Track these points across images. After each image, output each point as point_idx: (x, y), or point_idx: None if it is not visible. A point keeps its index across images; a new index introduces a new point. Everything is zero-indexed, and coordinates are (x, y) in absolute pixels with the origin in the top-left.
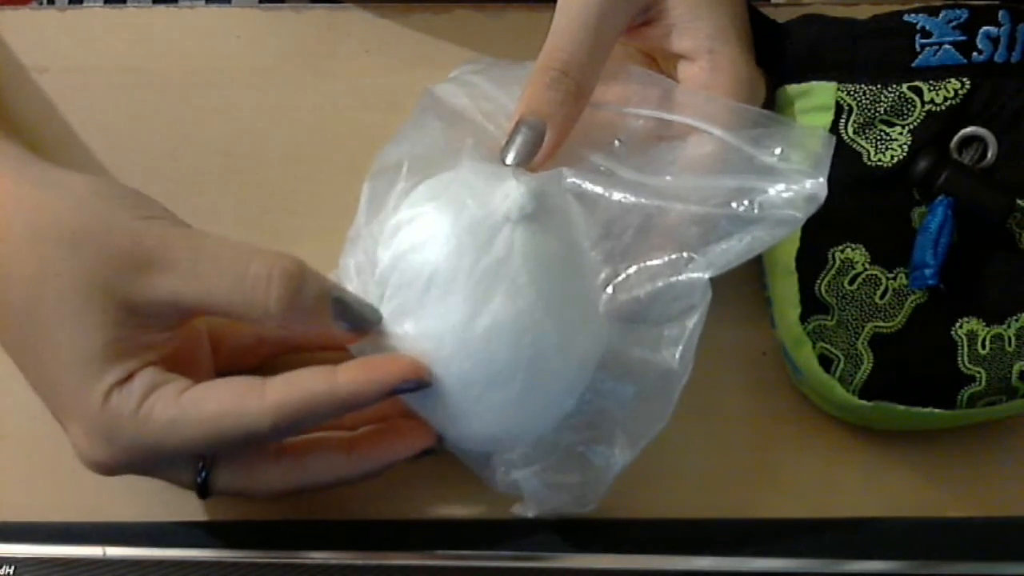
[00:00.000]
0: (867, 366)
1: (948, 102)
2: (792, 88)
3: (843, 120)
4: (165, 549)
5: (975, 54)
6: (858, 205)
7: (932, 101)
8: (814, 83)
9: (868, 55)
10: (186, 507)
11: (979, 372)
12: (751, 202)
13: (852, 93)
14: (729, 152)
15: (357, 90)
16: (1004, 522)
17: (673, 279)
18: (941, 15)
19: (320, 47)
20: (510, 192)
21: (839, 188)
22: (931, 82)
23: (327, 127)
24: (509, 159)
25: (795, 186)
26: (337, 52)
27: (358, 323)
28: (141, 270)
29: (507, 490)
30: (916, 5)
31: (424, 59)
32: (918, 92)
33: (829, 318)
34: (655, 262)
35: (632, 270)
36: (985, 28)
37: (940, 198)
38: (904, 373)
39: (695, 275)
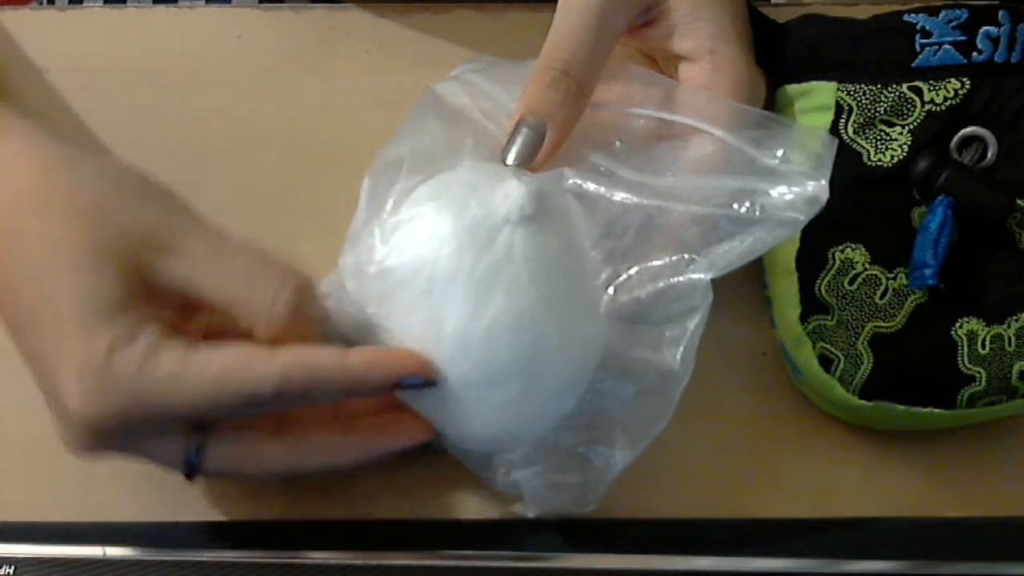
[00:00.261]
0: (867, 366)
1: (948, 102)
2: (792, 88)
3: (843, 120)
4: (165, 549)
5: (975, 54)
6: (858, 205)
7: (932, 101)
8: (814, 83)
9: (868, 55)
10: (186, 507)
11: (979, 372)
12: (752, 203)
13: (852, 93)
14: (730, 153)
15: (357, 90)
16: (1004, 522)
17: (674, 280)
18: (941, 15)
19: (320, 47)
20: (510, 192)
21: (839, 188)
22: (931, 82)
23: (327, 127)
24: (509, 159)
25: (797, 188)
26: (337, 52)
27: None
28: (160, 250)
29: (508, 490)
30: (916, 5)
31: (424, 59)
32: (918, 92)
33: (829, 318)
34: (656, 263)
35: (633, 271)
36: (985, 28)
37: (940, 198)
38: (904, 373)
39: (696, 276)
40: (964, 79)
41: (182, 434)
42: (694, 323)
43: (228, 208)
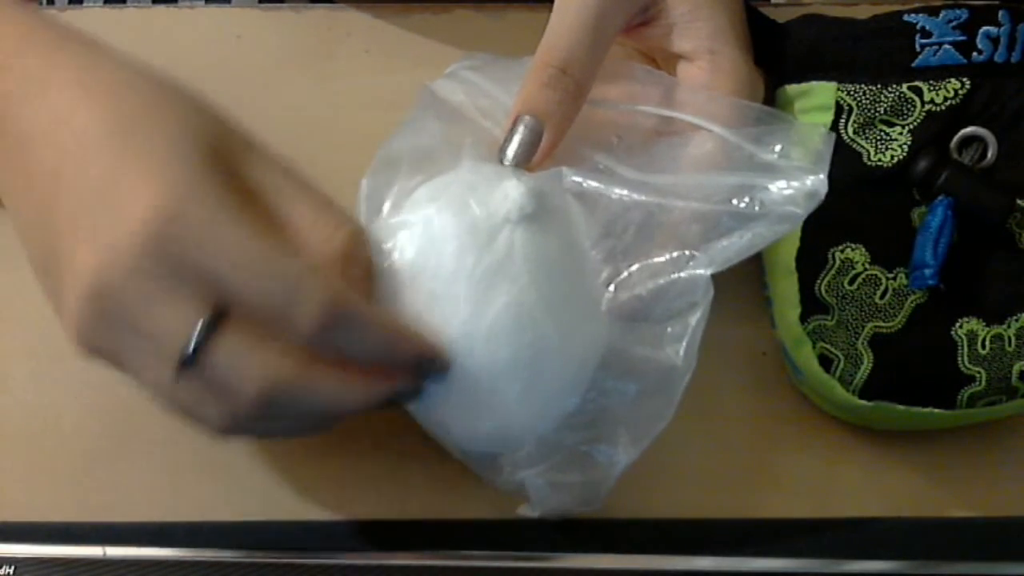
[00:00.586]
0: (867, 366)
1: (948, 102)
2: (792, 88)
3: (843, 120)
4: (165, 549)
5: (975, 54)
6: (858, 205)
7: (932, 101)
8: (814, 83)
9: (868, 55)
10: (186, 507)
11: (979, 372)
12: (752, 199)
13: (852, 93)
14: (730, 149)
15: (357, 90)
16: (1004, 522)
17: (675, 276)
18: (941, 15)
19: (320, 47)
20: (509, 192)
21: (839, 188)
22: (931, 82)
23: (327, 127)
24: (507, 159)
25: (796, 183)
26: (337, 52)
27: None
28: (246, 149)
29: (511, 490)
30: (916, 5)
31: (424, 59)
32: (918, 92)
33: (829, 318)
34: (657, 260)
35: (634, 268)
36: (985, 28)
37: (940, 198)
38: (904, 373)
39: (697, 272)
40: (964, 79)
41: (197, 303)
42: (696, 319)
43: None
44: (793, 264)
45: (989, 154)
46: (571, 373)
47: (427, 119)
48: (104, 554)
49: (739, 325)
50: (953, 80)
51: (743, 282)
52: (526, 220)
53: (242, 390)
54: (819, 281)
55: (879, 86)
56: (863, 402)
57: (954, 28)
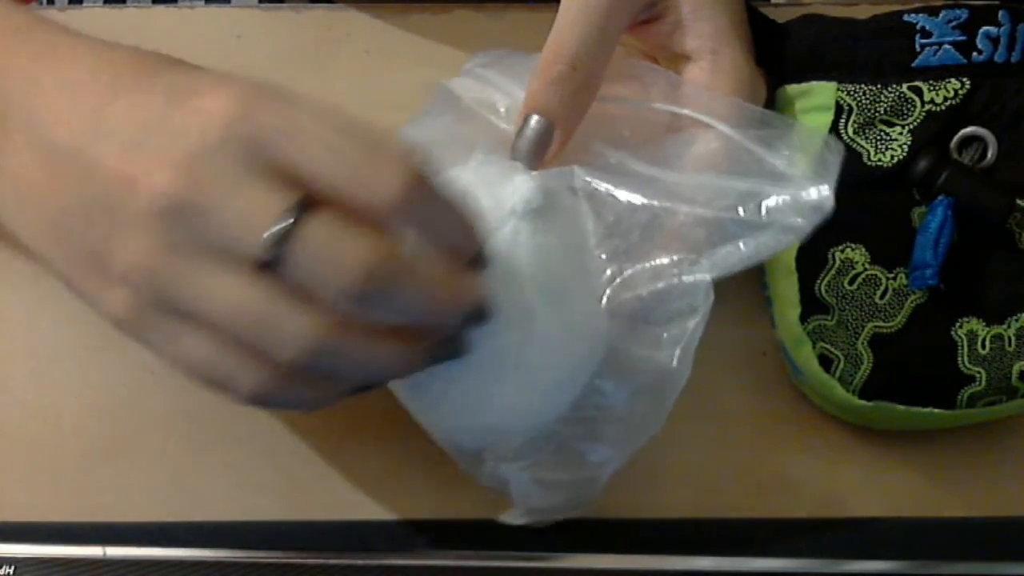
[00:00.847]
0: (867, 366)
1: (948, 102)
2: (792, 88)
3: (843, 120)
4: (165, 549)
5: (975, 54)
6: (858, 205)
7: (932, 101)
8: (814, 83)
9: (868, 55)
10: (186, 507)
11: (979, 372)
12: (758, 207)
13: (852, 93)
14: (737, 150)
15: (357, 90)
16: (1004, 522)
17: (676, 280)
18: (941, 15)
19: (320, 47)
20: (518, 186)
21: (839, 188)
22: (931, 82)
23: None
24: (517, 156)
25: (802, 194)
26: (337, 52)
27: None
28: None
29: (494, 486)
30: (916, 5)
31: (424, 59)
32: (918, 92)
33: (829, 318)
34: (659, 262)
35: (636, 269)
36: (985, 28)
37: (940, 198)
38: (904, 373)
39: (698, 276)
40: (964, 79)
41: (282, 192)
42: (694, 323)
43: None
44: (793, 264)
45: (989, 154)
46: (568, 370)
47: (439, 115)
48: (104, 554)
49: (739, 325)
50: (953, 80)
51: (743, 282)
52: (532, 214)
53: (336, 281)
54: (819, 281)
55: (879, 86)
56: (863, 402)
57: (954, 28)
